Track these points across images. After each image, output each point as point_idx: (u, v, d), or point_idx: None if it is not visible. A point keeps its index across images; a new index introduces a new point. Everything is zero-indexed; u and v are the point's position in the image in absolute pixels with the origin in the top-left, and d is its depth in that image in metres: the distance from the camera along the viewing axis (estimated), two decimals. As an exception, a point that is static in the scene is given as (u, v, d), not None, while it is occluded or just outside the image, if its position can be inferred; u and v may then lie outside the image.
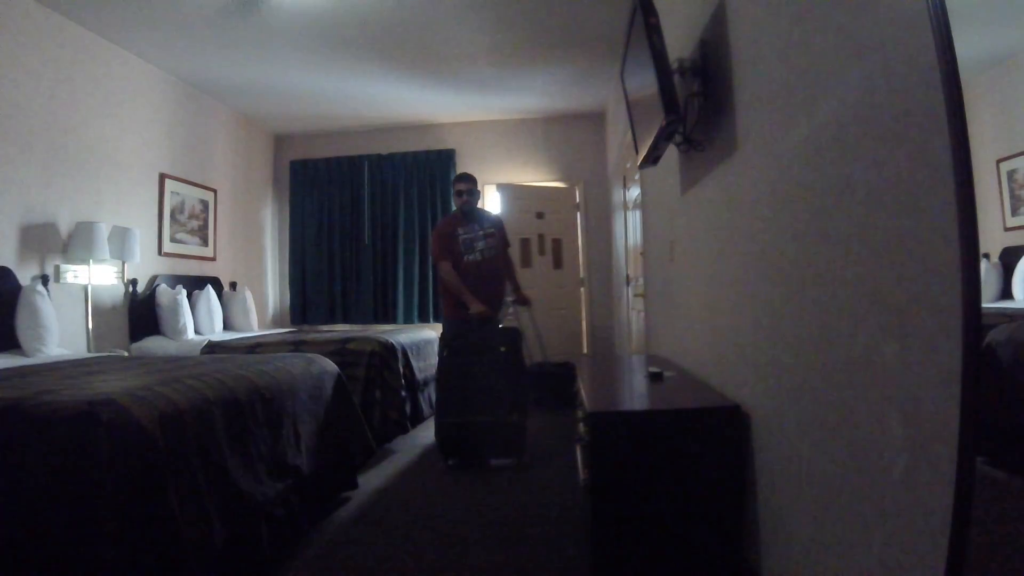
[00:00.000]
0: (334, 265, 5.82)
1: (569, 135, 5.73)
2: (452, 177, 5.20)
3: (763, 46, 1.38)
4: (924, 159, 0.78)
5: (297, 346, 3.49)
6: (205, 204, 4.80)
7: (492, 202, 5.59)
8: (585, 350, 5.68)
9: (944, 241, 0.74)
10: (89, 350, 3.52)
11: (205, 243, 4.80)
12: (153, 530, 1.41)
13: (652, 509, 1.55)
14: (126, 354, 3.39)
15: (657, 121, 1.77)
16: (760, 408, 1.47)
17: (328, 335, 3.94)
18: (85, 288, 3.56)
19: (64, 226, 3.43)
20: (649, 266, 3.44)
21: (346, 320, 5.77)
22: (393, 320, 5.64)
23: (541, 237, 5.59)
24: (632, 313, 4.37)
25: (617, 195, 4.89)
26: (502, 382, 3.01)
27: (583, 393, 2.00)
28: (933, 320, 0.77)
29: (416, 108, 5.37)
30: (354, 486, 2.62)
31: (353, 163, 5.84)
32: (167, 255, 4.35)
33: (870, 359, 0.93)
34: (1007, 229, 0.70)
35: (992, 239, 0.70)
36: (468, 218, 3.54)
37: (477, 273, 3.45)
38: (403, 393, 3.43)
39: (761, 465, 1.48)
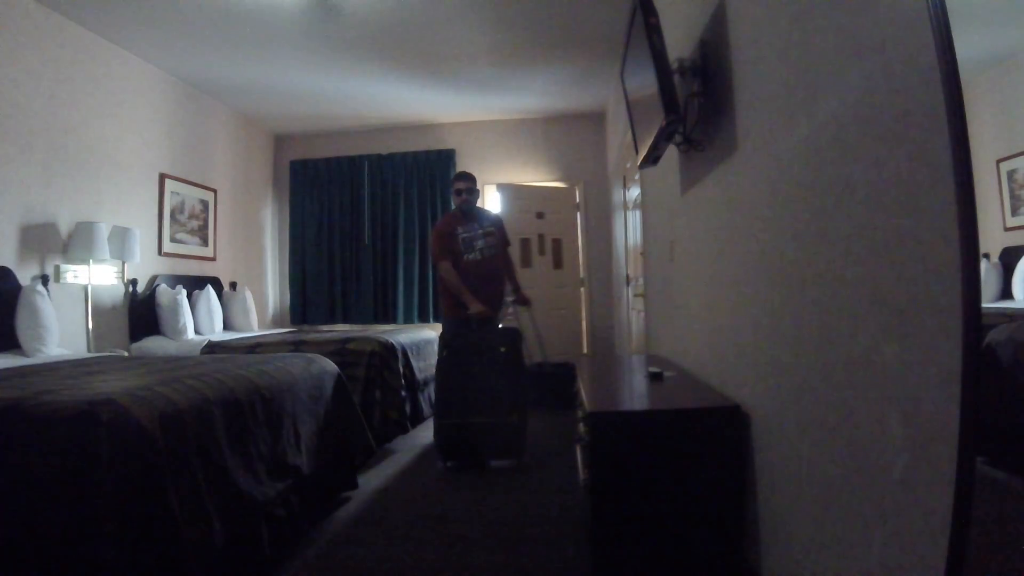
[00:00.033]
0: (334, 265, 5.82)
1: (569, 135, 5.73)
2: (452, 177, 5.20)
3: (763, 46, 1.38)
4: (924, 159, 0.78)
5: (297, 346, 3.49)
6: (205, 204, 4.80)
7: (492, 202, 5.59)
8: (585, 350, 5.68)
9: (944, 241, 0.74)
10: (89, 350, 3.52)
11: (205, 243, 4.80)
12: (153, 530, 1.41)
13: (652, 509, 1.55)
14: (126, 354, 3.39)
15: (657, 121, 1.77)
16: (760, 408, 1.47)
17: (328, 335, 3.94)
18: (85, 288, 3.56)
19: (64, 226, 3.43)
20: (649, 266, 3.44)
21: (346, 320, 5.77)
22: (393, 320, 5.65)
23: (541, 237, 5.60)
24: (632, 313, 4.37)
25: (617, 195, 4.89)
26: (502, 382, 3.00)
27: (583, 393, 2.00)
28: (933, 320, 0.77)
29: (416, 108, 5.37)
30: (354, 486, 2.61)
31: (353, 163, 5.84)
32: (167, 255, 4.35)
33: (870, 359, 0.93)
34: (1007, 229, 0.70)
35: (992, 239, 0.70)
36: (468, 217, 3.53)
37: (477, 272, 3.45)
38: (403, 393, 3.43)
39: (761, 465, 1.47)
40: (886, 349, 0.89)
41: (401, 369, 3.47)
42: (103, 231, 3.47)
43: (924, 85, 0.77)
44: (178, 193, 4.46)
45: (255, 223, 5.68)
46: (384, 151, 5.81)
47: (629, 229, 4.44)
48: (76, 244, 3.39)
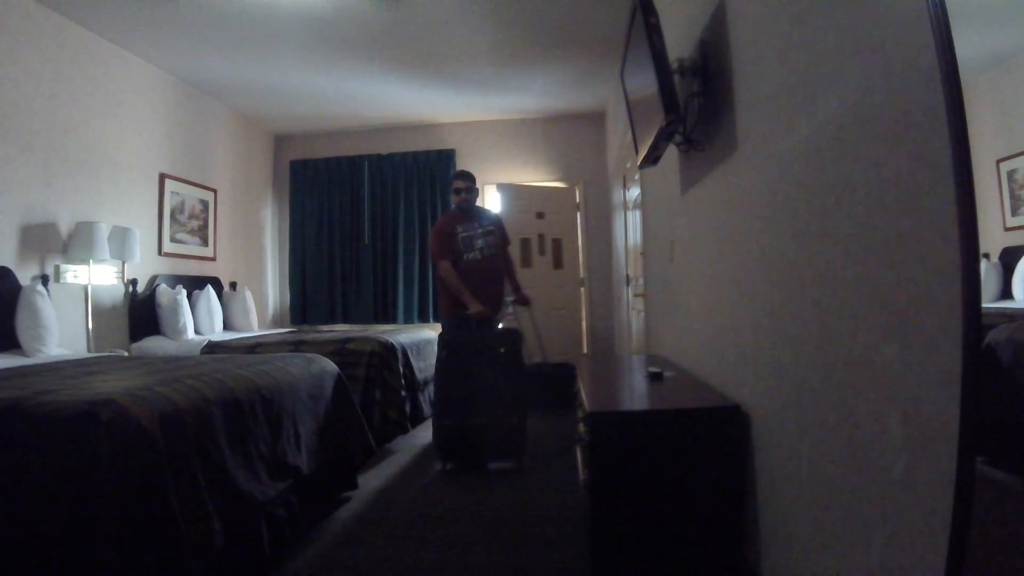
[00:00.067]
0: (334, 265, 5.82)
1: (569, 135, 5.73)
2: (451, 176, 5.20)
3: (763, 46, 1.38)
4: (924, 159, 0.78)
5: (297, 346, 3.49)
6: (205, 204, 4.80)
7: (492, 202, 5.59)
8: (585, 350, 5.68)
9: (944, 241, 0.74)
10: (89, 350, 3.52)
11: (205, 243, 4.80)
12: (153, 530, 1.41)
13: (652, 509, 1.55)
14: (126, 354, 3.39)
15: (657, 121, 1.77)
16: (760, 408, 1.47)
17: (328, 335, 3.94)
18: (85, 288, 3.56)
19: (64, 226, 3.43)
20: (649, 266, 3.44)
21: (346, 320, 5.77)
22: (393, 320, 5.65)
23: (541, 237, 5.60)
24: (632, 313, 4.37)
25: (617, 195, 4.89)
26: (501, 383, 3.00)
27: (583, 393, 2.00)
28: (933, 320, 0.77)
29: (416, 108, 5.37)
30: (354, 486, 2.61)
31: (353, 163, 5.84)
32: (167, 255, 4.35)
33: (870, 359, 0.93)
34: (1007, 229, 0.70)
35: (992, 239, 0.70)
36: (467, 216, 3.53)
37: (477, 272, 3.44)
38: (403, 393, 3.43)
39: (761, 465, 1.48)
40: (886, 349, 0.89)
41: (401, 369, 3.47)
42: (103, 231, 3.47)
43: (924, 85, 0.77)
44: (178, 193, 4.46)
45: (255, 223, 5.68)
46: (384, 151, 5.81)
47: (629, 229, 4.44)
48: (76, 244, 3.39)
